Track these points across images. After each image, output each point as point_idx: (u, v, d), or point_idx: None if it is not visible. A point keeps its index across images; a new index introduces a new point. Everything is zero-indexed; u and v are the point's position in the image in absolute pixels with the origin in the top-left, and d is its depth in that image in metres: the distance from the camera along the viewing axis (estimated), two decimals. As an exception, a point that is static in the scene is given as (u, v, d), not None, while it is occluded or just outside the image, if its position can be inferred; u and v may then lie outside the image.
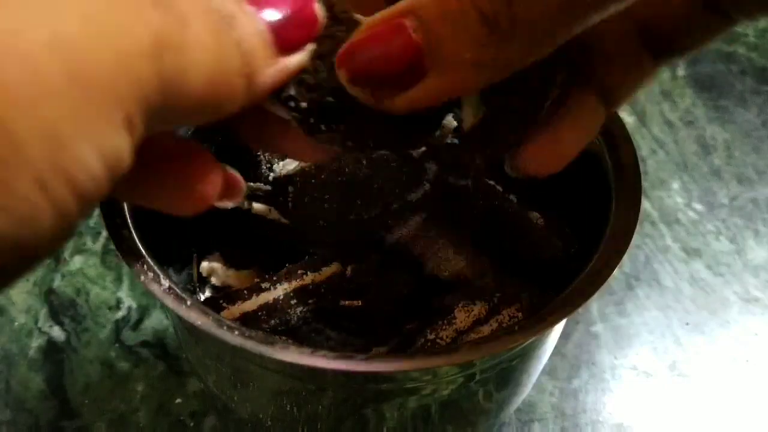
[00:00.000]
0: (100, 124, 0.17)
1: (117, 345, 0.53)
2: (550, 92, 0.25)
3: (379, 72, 0.22)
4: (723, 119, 0.70)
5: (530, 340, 0.32)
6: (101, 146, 0.17)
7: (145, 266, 0.32)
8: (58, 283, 0.56)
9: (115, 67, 0.17)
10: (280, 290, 0.39)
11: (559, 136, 0.27)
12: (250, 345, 0.30)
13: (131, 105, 0.17)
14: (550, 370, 0.52)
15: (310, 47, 0.23)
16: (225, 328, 0.30)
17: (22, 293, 0.56)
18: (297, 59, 0.22)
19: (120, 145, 0.17)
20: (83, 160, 0.16)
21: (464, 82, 0.22)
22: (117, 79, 0.17)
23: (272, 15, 0.21)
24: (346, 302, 0.39)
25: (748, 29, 0.79)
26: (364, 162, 0.40)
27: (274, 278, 0.39)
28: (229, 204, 0.27)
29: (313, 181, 0.40)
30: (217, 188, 0.25)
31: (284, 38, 0.22)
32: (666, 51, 0.26)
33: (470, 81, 0.22)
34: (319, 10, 0.23)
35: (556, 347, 0.52)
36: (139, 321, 0.55)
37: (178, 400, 0.51)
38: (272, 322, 0.38)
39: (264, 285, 0.39)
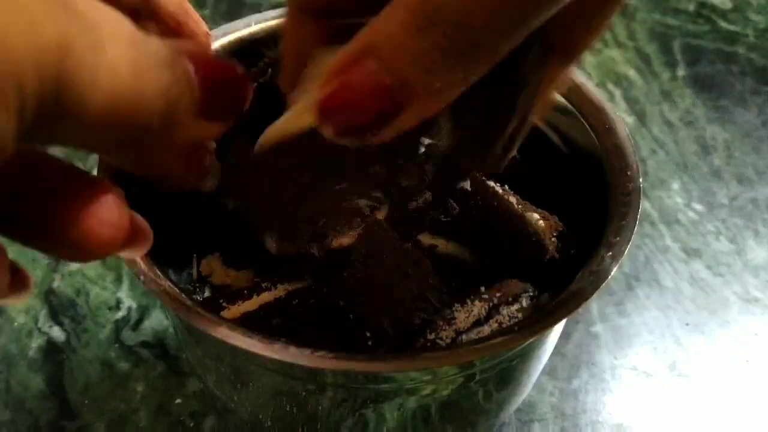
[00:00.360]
0: None
1: (117, 345, 0.53)
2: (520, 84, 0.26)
3: (360, 122, 0.22)
4: (723, 119, 0.70)
5: (530, 341, 0.32)
6: None
7: (145, 266, 0.33)
8: (57, 283, 0.56)
9: (21, 53, 0.17)
10: (280, 290, 0.39)
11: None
12: (250, 345, 0.30)
13: (25, 93, 0.17)
14: (550, 371, 0.52)
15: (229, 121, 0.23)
16: (225, 328, 0.30)
17: (22, 293, 0.55)
18: (216, 129, 0.23)
19: (6, 125, 0.17)
20: None
21: (439, 103, 0.23)
22: (19, 62, 0.17)
23: (207, 75, 0.22)
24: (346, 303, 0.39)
25: (747, 29, 0.79)
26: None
27: (275, 278, 0.39)
28: (133, 254, 0.25)
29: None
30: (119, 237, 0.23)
31: (213, 102, 0.22)
32: None
33: (445, 100, 0.23)
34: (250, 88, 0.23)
35: (556, 347, 0.52)
36: (139, 321, 0.55)
37: (178, 401, 0.51)
38: (273, 322, 0.38)
39: (264, 285, 0.39)
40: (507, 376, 0.37)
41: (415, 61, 0.21)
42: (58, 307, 0.55)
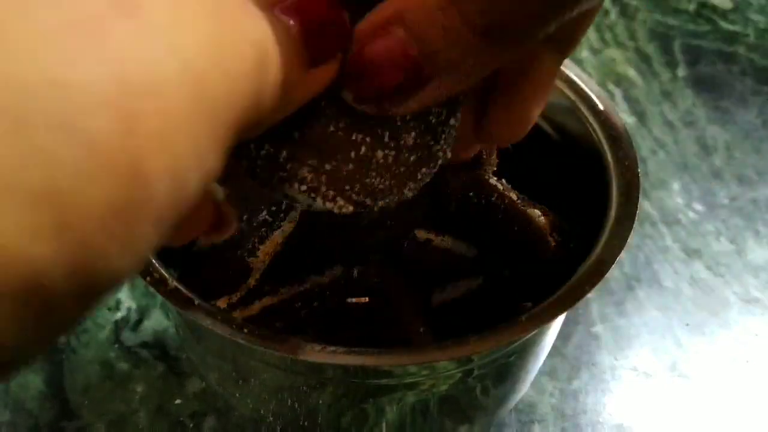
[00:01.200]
0: (213, 153, 0.16)
1: (116, 346, 0.53)
2: None
3: (381, 89, 0.22)
4: (723, 120, 0.70)
5: (528, 335, 0.32)
6: (207, 174, 0.16)
7: (150, 267, 0.33)
8: (57, 283, 0.56)
9: (228, 94, 0.16)
10: (283, 293, 0.39)
11: (516, 99, 0.27)
12: (253, 341, 0.30)
13: (235, 130, 0.17)
14: (550, 371, 0.52)
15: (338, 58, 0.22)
16: (234, 327, 0.30)
17: (21, 294, 0.55)
18: (329, 70, 0.22)
19: (218, 168, 0.16)
20: (193, 192, 0.15)
21: (464, 83, 0.22)
22: (231, 105, 0.16)
23: (303, 21, 0.20)
24: (354, 300, 0.39)
25: (748, 29, 0.79)
26: None
27: (277, 282, 0.39)
28: (214, 240, 0.26)
29: None
30: (207, 222, 0.24)
31: (316, 47, 0.21)
32: None
33: (469, 81, 0.22)
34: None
35: (556, 348, 0.52)
36: (139, 322, 0.55)
37: (178, 401, 0.51)
38: (276, 325, 0.38)
39: (266, 288, 0.39)
40: (505, 372, 0.37)
41: (444, 36, 0.20)
42: (57, 308, 0.55)
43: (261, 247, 0.38)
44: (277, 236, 0.39)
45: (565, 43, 0.27)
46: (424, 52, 0.21)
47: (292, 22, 0.20)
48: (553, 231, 0.39)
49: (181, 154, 0.15)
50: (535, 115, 0.28)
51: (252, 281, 0.39)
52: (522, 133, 0.28)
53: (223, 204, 0.25)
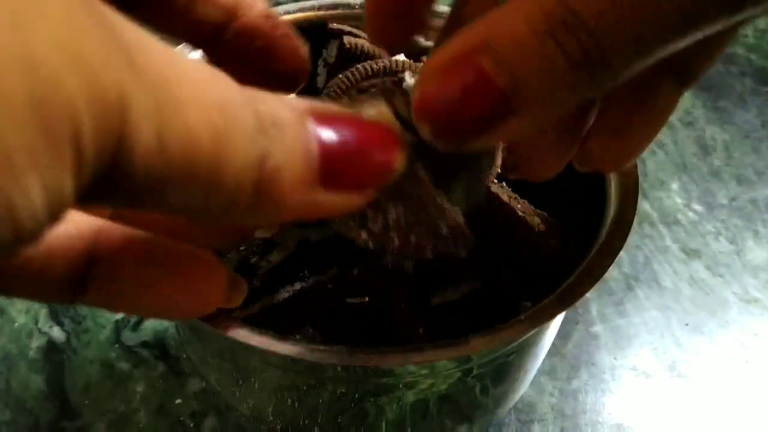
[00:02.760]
0: (52, 157, 0.14)
1: (117, 345, 0.53)
2: None
3: (462, 125, 0.20)
4: (722, 120, 0.71)
5: (527, 336, 0.32)
6: (48, 182, 0.14)
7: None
8: (58, 283, 0.56)
9: (79, 96, 0.14)
10: (283, 293, 0.39)
11: (629, 127, 0.25)
12: (252, 341, 0.30)
13: (82, 145, 0.14)
14: (549, 371, 0.52)
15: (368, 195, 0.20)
16: (234, 327, 0.31)
17: (22, 294, 0.56)
18: (340, 201, 0.19)
19: (65, 183, 0.15)
20: (29, 195, 0.14)
21: (549, 118, 0.20)
22: (79, 109, 0.14)
23: (332, 137, 0.18)
24: (354, 300, 0.39)
25: (747, 30, 0.79)
26: None
27: (276, 282, 0.39)
28: (231, 305, 0.26)
29: None
30: (222, 291, 0.25)
31: (336, 172, 0.19)
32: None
33: (554, 115, 0.20)
34: (401, 159, 0.20)
35: (555, 348, 0.53)
36: (139, 321, 0.55)
37: (178, 401, 0.51)
38: (276, 325, 0.38)
39: (266, 288, 0.39)
40: (503, 372, 0.37)
41: (538, 66, 0.19)
42: (58, 307, 0.55)
43: (268, 257, 0.39)
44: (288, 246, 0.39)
45: (686, 75, 0.25)
46: (512, 85, 0.19)
47: (317, 133, 0.18)
48: (553, 232, 0.39)
49: (12, 147, 0.13)
50: (645, 147, 0.26)
51: (255, 282, 0.39)
52: (628, 162, 0.27)
53: (233, 273, 0.26)
